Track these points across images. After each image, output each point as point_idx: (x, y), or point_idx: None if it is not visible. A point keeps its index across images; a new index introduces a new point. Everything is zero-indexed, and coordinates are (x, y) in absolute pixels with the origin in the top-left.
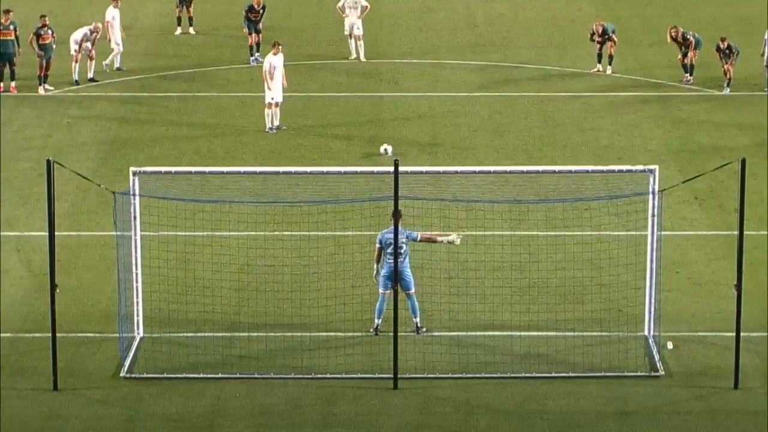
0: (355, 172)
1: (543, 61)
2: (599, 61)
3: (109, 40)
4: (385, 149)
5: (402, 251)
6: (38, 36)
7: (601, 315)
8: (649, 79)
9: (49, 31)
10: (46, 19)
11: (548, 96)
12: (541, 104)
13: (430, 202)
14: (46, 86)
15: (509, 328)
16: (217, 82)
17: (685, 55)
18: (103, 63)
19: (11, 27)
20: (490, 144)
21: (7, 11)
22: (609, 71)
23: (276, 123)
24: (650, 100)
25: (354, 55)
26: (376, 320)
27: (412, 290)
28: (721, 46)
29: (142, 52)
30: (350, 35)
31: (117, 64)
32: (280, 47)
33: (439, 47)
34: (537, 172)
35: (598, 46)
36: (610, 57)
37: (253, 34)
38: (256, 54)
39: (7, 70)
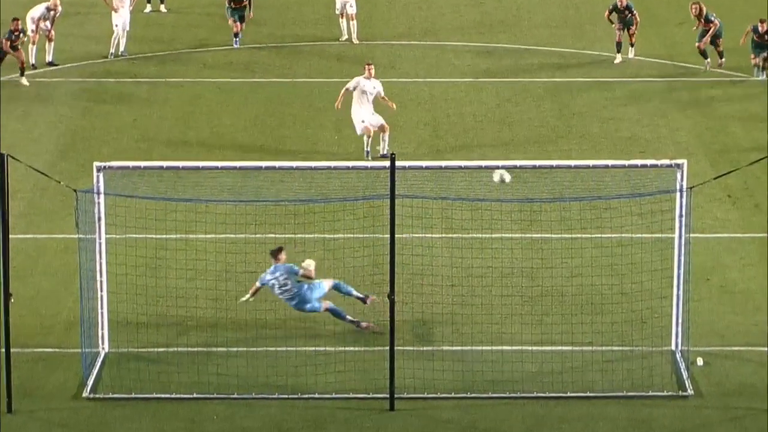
0: (347, 168)
1: (557, 42)
2: (619, 50)
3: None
4: (501, 177)
5: (288, 288)
6: None
7: (622, 327)
8: (676, 62)
9: (21, 35)
10: (18, 23)
11: (563, 82)
12: (555, 91)
13: (430, 201)
14: None
15: (519, 342)
16: (192, 66)
17: (701, 38)
18: (110, 52)
19: None
20: (498, 136)
21: None
22: (631, 53)
23: (384, 149)
24: (678, 86)
25: (345, 36)
26: (350, 320)
27: (322, 309)
28: (761, 28)
29: (107, 32)
30: (342, 14)
31: (122, 48)
32: (371, 70)
33: (440, 27)
34: (551, 167)
35: (618, 33)
36: (631, 42)
37: (238, 23)
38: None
39: None
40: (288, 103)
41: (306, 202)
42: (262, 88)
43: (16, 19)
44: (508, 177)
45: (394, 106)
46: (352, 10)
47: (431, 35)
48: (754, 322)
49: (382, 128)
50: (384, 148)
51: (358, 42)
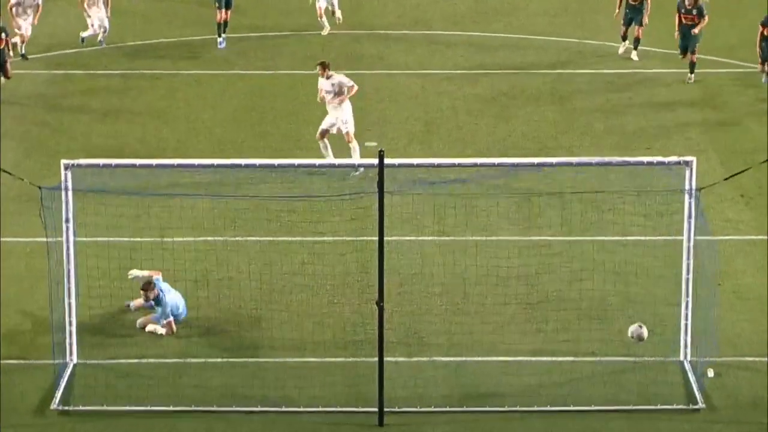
0: (333, 165)
1: (557, 32)
2: (624, 39)
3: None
4: (637, 333)
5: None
6: None
7: (628, 336)
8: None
9: (2, 34)
10: None
11: (564, 74)
12: (555, 84)
13: (421, 201)
14: None
15: (517, 353)
16: (167, 57)
17: (685, 50)
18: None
19: None
20: (494, 131)
21: None
22: (634, 56)
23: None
24: (686, 78)
25: (327, 29)
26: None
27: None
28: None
29: (74, 21)
30: (322, 13)
31: (96, 36)
32: (324, 69)
33: (432, 16)
34: (550, 164)
35: (624, 27)
36: (637, 40)
37: (223, 9)
38: (223, 36)
39: None
40: (269, 97)
41: (288, 198)
42: (241, 80)
43: None
44: (645, 333)
45: (350, 93)
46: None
47: (423, 24)
48: None
49: (347, 136)
50: (355, 159)
51: (340, 20)
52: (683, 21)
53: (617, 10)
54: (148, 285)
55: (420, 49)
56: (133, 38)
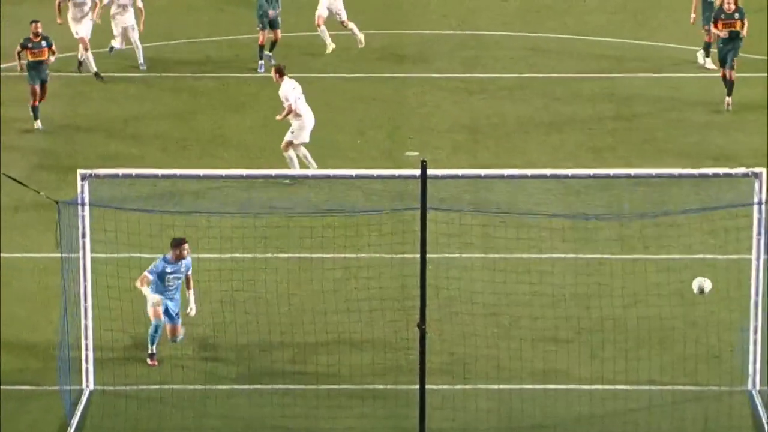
0: (371, 176)
1: (615, 32)
2: (708, 54)
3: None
4: (701, 287)
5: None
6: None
7: (693, 364)
8: (754, 55)
9: (43, 43)
10: (38, 25)
11: (622, 78)
12: (612, 88)
13: (467, 215)
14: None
15: (571, 380)
16: (192, 58)
17: (722, 62)
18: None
19: None
20: (546, 140)
21: None
22: (709, 64)
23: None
24: (755, 82)
25: (331, 47)
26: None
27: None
28: None
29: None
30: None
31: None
32: (275, 73)
33: (479, 14)
34: (607, 176)
35: (710, 32)
36: (708, 43)
37: (267, 30)
38: (267, 53)
39: None
40: None
41: (324, 213)
42: (271, 84)
43: (35, 22)
44: (708, 286)
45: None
46: (343, 16)
47: (469, 24)
48: None
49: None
50: (293, 170)
51: (363, 45)
52: (722, 28)
53: (693, 15)
54: (180, 244)
55: (466, 50)
56: (154, 38)
